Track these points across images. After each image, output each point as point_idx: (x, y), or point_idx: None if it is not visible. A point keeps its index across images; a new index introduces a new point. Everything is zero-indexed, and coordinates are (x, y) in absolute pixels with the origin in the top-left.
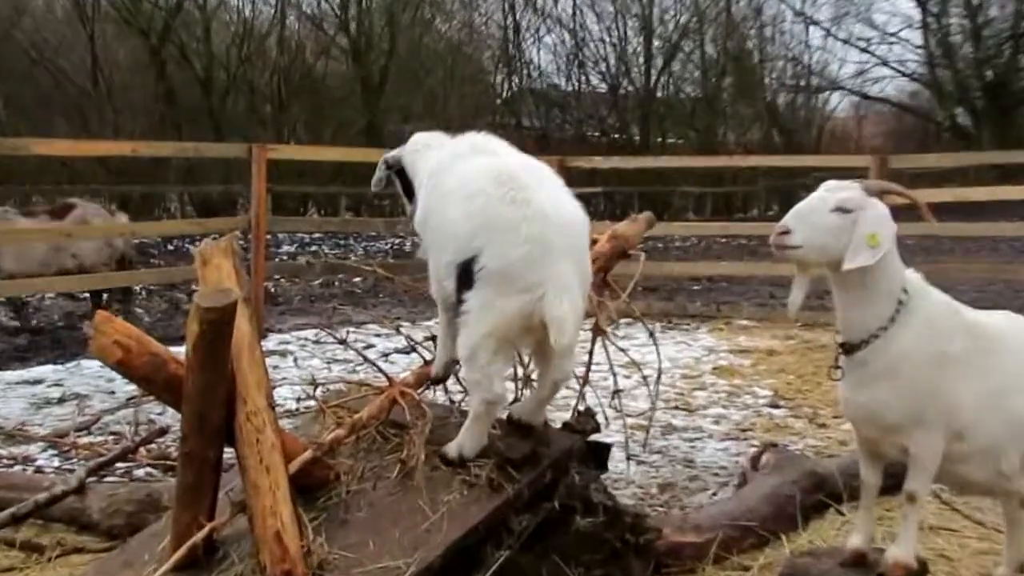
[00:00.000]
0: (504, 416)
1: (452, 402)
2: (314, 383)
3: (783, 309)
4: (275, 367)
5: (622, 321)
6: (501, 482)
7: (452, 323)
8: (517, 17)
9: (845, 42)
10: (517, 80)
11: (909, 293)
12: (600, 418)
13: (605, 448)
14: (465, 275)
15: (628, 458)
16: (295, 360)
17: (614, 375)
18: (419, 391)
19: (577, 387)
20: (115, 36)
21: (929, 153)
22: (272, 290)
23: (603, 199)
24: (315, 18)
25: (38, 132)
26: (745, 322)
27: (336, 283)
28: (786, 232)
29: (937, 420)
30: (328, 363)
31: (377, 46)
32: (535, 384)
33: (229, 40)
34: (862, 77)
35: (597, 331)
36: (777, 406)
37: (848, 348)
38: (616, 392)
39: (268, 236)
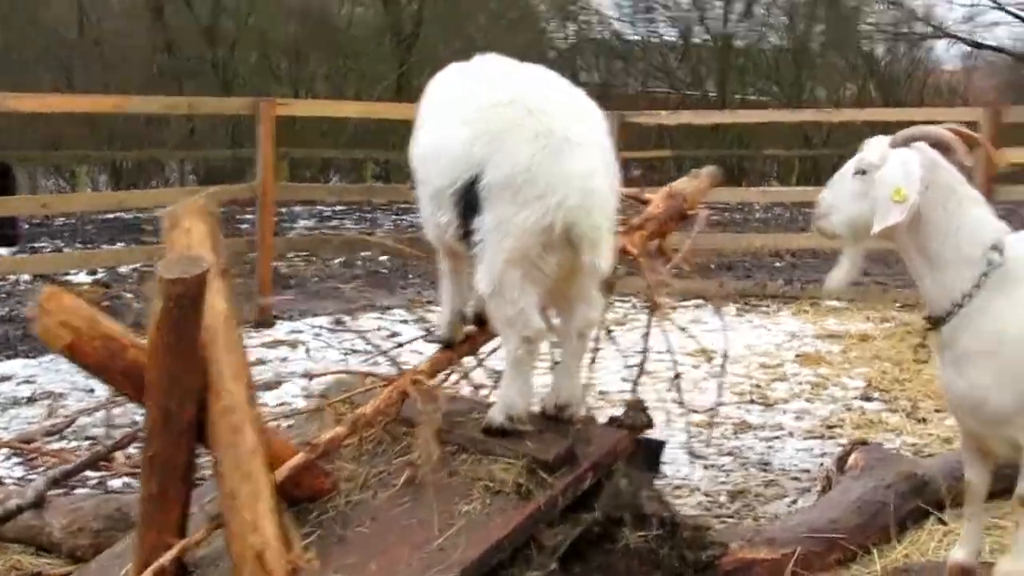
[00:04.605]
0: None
1: (478, 394)
2: (309, 374)
3: (880, 287)
4: (284, 359)
5: (691, 303)
6: (530, 488)
7: (455, 272)
8: None
9: None
10: (574, 27)
11: (1005, 255)
12: (662, 415)
13: (657, 446)
14: (469, 200)
15: (692, 459)
16: (307, 351)
17: (673, 359)
18: (437, 382)
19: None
20: None
21: None
22: (284, 271)
23: (672, 163)
24: None
25: (17, 88)
26: (834, 303)
27: (359, 262)
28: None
29: None
30: (346, 354)
31: None
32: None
33: None
34: (973, 22)
35: (653, 307)
36: (870, 399)
37: (933, 321)
38: (676, 377)
39: (283, 208)
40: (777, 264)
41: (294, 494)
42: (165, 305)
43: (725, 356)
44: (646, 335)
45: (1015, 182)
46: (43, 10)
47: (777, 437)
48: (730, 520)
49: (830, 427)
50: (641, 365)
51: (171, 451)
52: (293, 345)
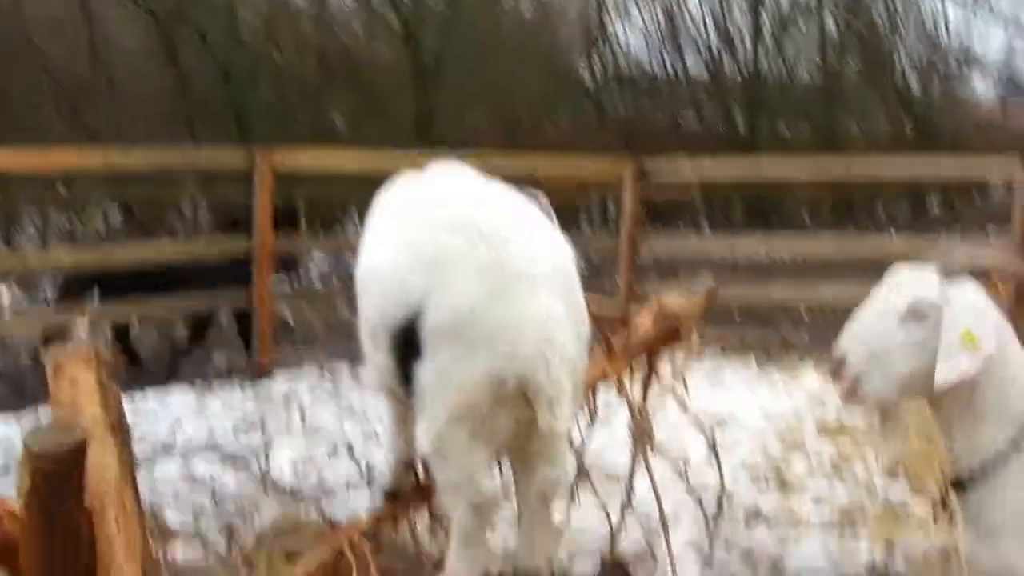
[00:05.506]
0: None
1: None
2: (230, 530)
3: None
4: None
5: (708, 356)
6: None
7: (402, 418)
8: None
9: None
10: (600, 64)
11: None
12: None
13: None
14: (407, 342)
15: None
16: (301, 413)
17: (660, 504)
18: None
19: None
20: (119, 17)
21: None
22: (291, 321)
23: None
24: None
25: (27, 129)
26: None
27: None
28: (844, 364)
29: None
30: (341, 412)
31: (431, 24)
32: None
33: (255, 20)
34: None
35: (640, 439)
36: (896, 483)
37: (959, 485)
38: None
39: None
40: (805, 318)
41: None
42: (33, 482)
43: (722, 492)
44: (630, 475)
45: None
46: (50, 48)
47: (792, 528)
48: None
49: (847, 520)
50: (622, 510)
51: None
52: (287, 402)
